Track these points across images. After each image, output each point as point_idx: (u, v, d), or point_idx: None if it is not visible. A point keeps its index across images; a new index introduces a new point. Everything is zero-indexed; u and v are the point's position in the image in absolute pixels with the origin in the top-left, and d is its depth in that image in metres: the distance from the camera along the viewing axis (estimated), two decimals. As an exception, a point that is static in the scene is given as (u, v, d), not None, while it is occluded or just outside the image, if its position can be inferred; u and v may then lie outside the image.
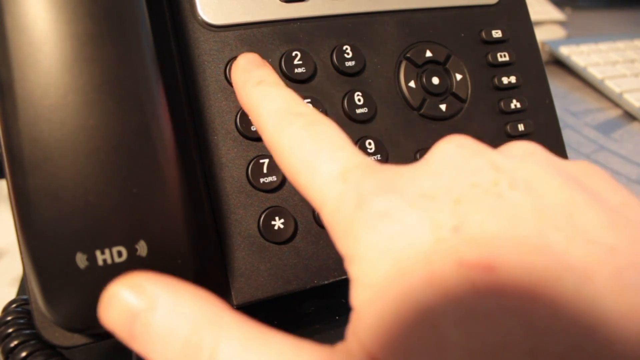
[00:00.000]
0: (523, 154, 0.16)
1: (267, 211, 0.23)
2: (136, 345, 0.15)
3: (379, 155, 0.25)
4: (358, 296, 0.15)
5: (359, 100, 0.26)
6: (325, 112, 0.25)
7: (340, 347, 0.15)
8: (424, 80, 0.27)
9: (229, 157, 0.24)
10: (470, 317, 0.13)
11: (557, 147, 0.30)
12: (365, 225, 0.15)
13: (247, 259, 0.23)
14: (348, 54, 0.26)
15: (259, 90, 0.21)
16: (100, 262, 0.18)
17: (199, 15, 0.24)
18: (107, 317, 0.15)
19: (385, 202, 0.15)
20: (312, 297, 0.28)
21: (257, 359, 0.14)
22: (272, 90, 0.21)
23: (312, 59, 0.26)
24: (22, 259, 0.20)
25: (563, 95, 0.54)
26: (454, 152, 0.16)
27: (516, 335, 0.13)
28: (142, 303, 0.15)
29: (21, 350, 0.21)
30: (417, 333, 0.13)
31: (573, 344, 0.12)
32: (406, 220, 0.15)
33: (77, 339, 0.21)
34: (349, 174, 0.16)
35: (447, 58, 0.28)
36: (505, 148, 0.17)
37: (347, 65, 0.26)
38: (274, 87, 0.21)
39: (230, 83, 0.24)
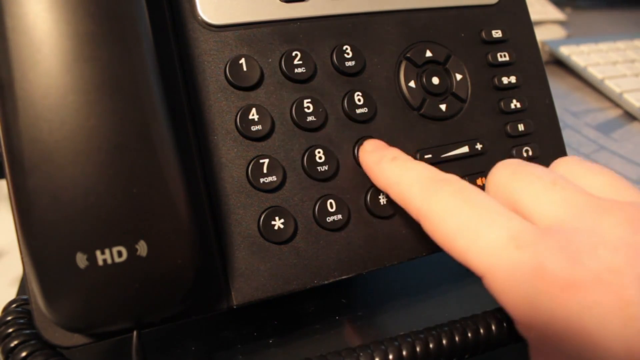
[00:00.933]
0: None
1: (267, 211, 0.23)
2: None
3: (379, 155, 0.25)
4: None
5: (359, 100, 0.26)
6: (326, 112, 0.25)
7: None
8: (424, 80, 0.27)
9: (229, 157, 0.24)
10: None
11: (557, 147, 0.30)
12: (548, 295, 0.15)
13: (247, 259, 0.23)
14: (348, 54, 0.26)
15: (397, 165, 0.22)
16: (100, 262, 0.18)
17: (199, 15, 0.24)
18: None
19: (569, 273, 0.15)
20: (312, 297, 0.28)
21: None
22: (409, 163, 0.21)
23: (312, 59, 0.26)
24: (22, 259, 0.20)
25: (563, 95, 0.54)
26: (626, 231, 0.16)
27: None
28: None
29: (21, 350, 0.21)
30: None
31: None
32: (593, 294, 0.15)
33: (77, 339, 0.21)
34: (521, 240, 0.16)
35: (447, 58, 0.28)
36: None
37: (347, 65, 0.26)
38: (410, 161, 0.22)
39: (230, 83, 0.24)
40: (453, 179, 0.19)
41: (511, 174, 0.19)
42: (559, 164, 0.21)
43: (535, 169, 0.19)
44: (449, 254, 0.18)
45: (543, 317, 0.15)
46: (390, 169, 0.22)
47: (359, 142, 0.25)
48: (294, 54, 0.25)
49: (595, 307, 0.14)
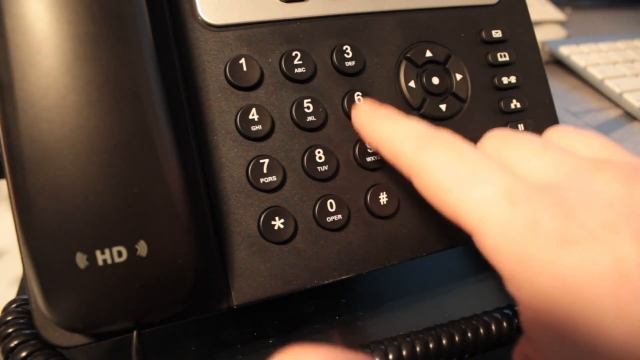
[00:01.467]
0: None
1: (267, 211, 0.23)
2: None
3: (379, 155, 0.25)
4: (534, 324, 0.15)
5: (359, 100, 0.26)
6: (326, 112, 0.25)
7: None
8: (424, 80, 0.27)
9: (229, 157, 0.24)
10: None
11: (557, 147, 0.30)
12: (541, 251, 0.15)
13: (247, 259, 0.23)
14: (348, 54, 0.26)
15: (390, 122, 0.21)
16: (100, 262, 0.18)
17: (199, 15, 0.24)
18: None
19: (563, 229, 0.15)
20: (312, 297, 0.28)
21: None
22: (403, 120, 0.21)
23: (312, 59, 0.26)
24: (22, 259, 0.20)
25: (563, 95, 0.54)
26: (620, 187, 0.16)
27: None
28: None
29: (21, 350, 0.21)
30: None
31: None
32: (588, 251, 0.14)
33: (77, 339, 0.21)
34: (515, 196, 0.16)
35: (447, 58, 0.28)
36: None
37: (347, 65, 0.26)
38: (404, 118, 0.21)
39: (230, 83, 0.24)
40: (447, 135, 0.19)
41: (501, 140, 0.19)
42: (550, 131, 0.20)
43: (526, 134, 0.19)
44: (439, 209, 0.18)
45: (535, 273, 0.15)
46: (383, 125, 0.22)
47: (359, 142, 0.25)
48: (294, 54, 0.25)
49: (589, 263, 0.14)
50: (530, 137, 0.19)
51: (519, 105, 0.29)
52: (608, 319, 0.14)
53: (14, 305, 0.23)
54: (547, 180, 0.17)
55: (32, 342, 0.21)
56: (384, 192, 0.25)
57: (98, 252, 0.18)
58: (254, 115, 0.24)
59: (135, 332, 0.20)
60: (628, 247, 0.14)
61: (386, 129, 0.21)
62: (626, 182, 0.16)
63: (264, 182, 0.24)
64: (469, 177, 0.17)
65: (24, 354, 0.21)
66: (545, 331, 0.15)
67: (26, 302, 0.23)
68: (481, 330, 0.24)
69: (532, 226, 0.15)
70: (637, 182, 0.16)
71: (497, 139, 0.19)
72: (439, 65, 0.28)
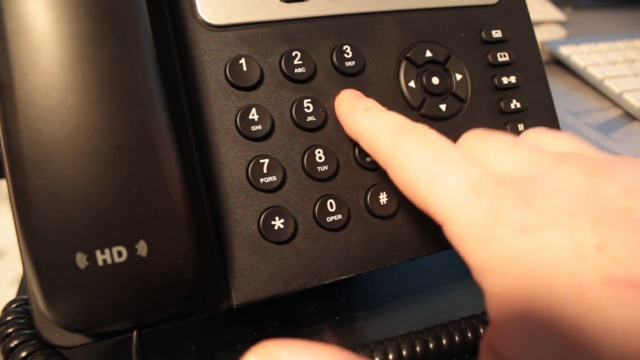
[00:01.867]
0: None
1: (267, 211, 0.23)
2: None
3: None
4: (496, 309, 0.16)
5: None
6: (326, 112, 0.25)
7: None
8: (424, 80, 0.27)
9: (229, 157, 0.24)
10: (622, 333, 0.13)
11: (557, 147, 0.30)
12: (503, 239, 0.15)
13: (247, 259, 0.23)
14: (348, 54, 0.26)
15: (369, 114, 0.22)
16: (100, 262, 0.18)
17: (199, 15, 0.24)
18: None
19: (524, 216, 0.15)
20: (312, 297, 0.28)
21: None
22: (382, 113, 0.22)
23: (312, 59, 0.26)
24: (22, 259, 0.20)
25: (563, 95, 0.54)
26: (582, 179, 0.16)
27: None
28: None
29: (21, 350, 0.21)
30: (569, 346, 0.14)
31: None
32: (547, 236, 0.15)
33: (77, 339, 0.21)
34: (480, 186, 0.17)
35: (447, 58, 0.28)
36: (632, 167, 0.17)
37: (347, 65, 0.26)
38: (383, 111, 0.22)
39: (230, 83, 0.24)
40: (422, 128, 0.20)
41: (474, 139, 0.20)
42: (525, 132, 0.21)
43: (498, 133, 0.19)
44: (412, 201, 0.19)
45: (498, 261, 0.15)
46: (362, 117, 0.23)
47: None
48: (294, 54, 0.25)
49: (549, 249, 0.15)
50: (503, 136, 0.19)
51: (519, 105, 0.29)
52: (568, 301, 0.14)
53: (14, 305, 0.23)
54: (513, 174, 0.18)
55: (32, 342, 0.21)
56: (384, 192, 0.25)
57: (98, 252, 0.18)
58: (254, 115, 0.24)
59: (135, 332, 0.20)
60: (587, 232, 0.15)
61: (365, 121, 0.22)
62: (588, 174, 0.17)
63: (264, 182, 0.24)
64: (438, 169, 0.18)
65: (24, 354, 0.21)
66: (509, 317, 0.15)
67: (26, 302, 0.23)
68: (481, 330, 0.24)
69: (494, 214, 0.16)
70: (599, 174, 0.16)
71: (472, 137, 0.20)
72: (439, 65, 0.28)
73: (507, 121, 0.29)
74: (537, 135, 0.20)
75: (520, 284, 0.15)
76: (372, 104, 0.23)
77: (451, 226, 0.17)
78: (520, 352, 0.15)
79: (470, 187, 0.17)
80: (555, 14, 0.66)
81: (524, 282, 0.15)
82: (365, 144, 0.22)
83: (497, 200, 0.16)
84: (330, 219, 0.24)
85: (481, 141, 0.19)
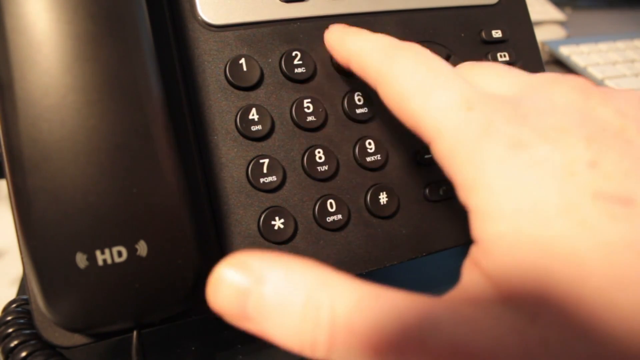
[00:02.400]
0: None
1: (267, 211, 0.23)
2: (252, 324, 0.15)
3: (378, 155, 0.25)
4: (482, 226, 0.15)
5: (359, 100, 0.26)
6: (325, 112, 0.25)
7: (457, 291, 0.15)
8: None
9: (229, 157, 0.24)
10: (610, 247, 0.13)
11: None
12: (494, 153, 0.15)
13: (247, 259, 0.23)
14: (348, 54, 0.26)
15: (360, 36, 0.22)
16: (100, 262, 0.18)
17: (199, 15, 0.24)
18: (216, 301, 0.15)
19: (516, 131, 0.15)
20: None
21: (372, 310, 0.14)
22: (373, 34, 0.22)
23: (312, 59, 0.26)
24: (22, 259, 0.20)
25: (563, 95, 0.54)
26: (577, 98, 0.16)
27: None
28: (250, 280, 0.15)
29: (21, 350, 0.21)
30: (556, 260, 0.13)
31: None
32: (539, 151, 0.15)
33: (77, 339, 0.21)
34: (472, 101, 0.16)
35: (447, 58, 0.28)
36: (624, 93, 0.17)
37: (347, 65, 0.26)
38: (373, 34, 0.22)
39: (230, 83, 0.24)
40: (414, 46, 0.20)
41: (470, 66, 0.20)
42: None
43: (495, 63, 0.20)
44: (401, 119, 0.18)
45: (488, 177, 0.15)
46: (352, 40, 0.22)
47: (359, 142, 0.25)
48: (294, 54, 0.25)
49: (539, 163, 0.14)
50: (497, 64, 0.19)
51: (519, 105, 0.29)
52: (556, 216, 0.14)
53: (14, 305, 0.23)
54: (507, 94, 0.17)
55: (32, 342, 0.21)
56: (384, 192, 0.25)
57: (98, 252, 0.18)
58: (254, 115, 0.24)
59: (135, 332, 0.20)
60: (579, 149, 0.14)
61: (355, 42, 0.22)
62: (582, 94, 0.16)
63: (264, 182, 0.24)
64: (430, 85, 0.17)
65: (24, 354, 0.21)
66: (494, 233, 0.15)
67: (26, 302, 0.23)
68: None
69: (486, 129, 0.15)
70: (594, 95, 0.16)
71: (467, 65, 0.20)
72: (439, 65, 0.28)
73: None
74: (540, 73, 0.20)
75: (507, 200, 0.15)
76: (361, 29, 0.23)
77: (441, 142, 0.17)
78: (505, 266, 0.14)
79: (463, 102, 0.16)
80: (555, 14, 0.66)
81: (511, 198, 0.15)
82: (355, 66, 0.22)
83: (489, 115, 0.16)
84: (330, 219, 0.24)
85: (475, 68, 0.19)
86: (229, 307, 0.15)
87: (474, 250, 0.16)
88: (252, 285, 0.15)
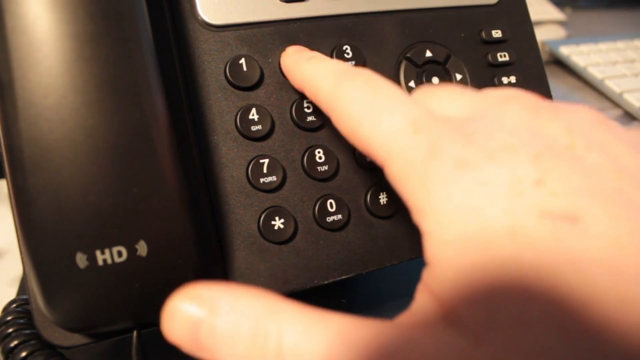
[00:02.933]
0: (592, 120, 0.16)
1: (267, 211, 0.23)
2: (204, 353, 0.15)
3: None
4: (432, 249, 0.15)
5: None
6: (325, 112, 0.25)
7: (407, 314, 0.15)
8: (424, 80, 0.27)
9: (229, 157, 0.24)
10: (555, 267, 0.13)
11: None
12: (440, 175, 0.15)
13: (247, 259, 0.23)
14: (348, 54, 0.26)
15: (313, 62, 0.22)
16: (100, 262, 0.18)
17: (199, 15, 0.24)
18: (172, 332, 0.15)
19: (462, 152, 0.15)
20: (312, 297, 0.28)
21: (320, 338, 0.14)
22: (325, 61, 0.22)
23: (312, 59, 0.26)
24: (22, 259, 0.20)
25: (563, 95, 0.54)
26: (526, 116, 0.16)
27: (605, 284, 0.13)
28: (202, 311, 0.15)
29: (21, 350, 0.21)
30: (500, 283, 0.13)
31: None
32: (485, 171, 0.15)
33: (77, 339, 0.21)
34: (419, 124, 0.16)
35: (447, 58, 0.28)
36: (574, 110, 0.17)
37: (347, 65, 0.26)
38: (326, 59, 0.22)
39: (230, 83, 0.24)
40: (364, 72, 0.20)
41: (425, 91, 0.20)
42: (484, 90, 0.21)
43: (450, 85, 0.19)
44: (355, 145, 0.19)
45: (436, 200, 0.15)
46: (305, 66, 0.22)
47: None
48: (294, 54, 0.25)
49: (486, 183, 0.14)
50: (452, 86, 0.19)
51: (519, 105, 0.29)
52: (502, 238, 0.14)
53: (14, 305, 0.23)
54: (457, 116, 0.17)
55: (32, 342, 0.21)
56: (384, 192, 0.25)
57: (98, 252, 0.18)
58: (254, 115, 0.24)
59: (135, 332, 0.20)
60: (526, 167, 0.14)
61: (308, 68, 0.22)
62: (531, 112, 0.16)
63: (264, 182, 0.24)
64: (379, 110, 0.17)
65: (24, 354, 0.21)
66: (443, 257, 0.15)
67: (26, 302, 0.23)
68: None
69: (432, 151, 0.15)
70: (543, 112, 0.16)
71: (422, 90, 0.20)
72: (439, 65, 0.28)
73: (507, 121, 0.29)
74: (490, 89, 0.20)
75: (454, 224, 0.14)
76: (316, 53, 0.23)
77: (391, 166, 0.17)
78: (452, 290, 0.14)
79: (410, 125, 0.16)
80: (555, 14, 0.66)
81: (458, 222, 0.14)
82: (308, 92, 0.22)
83: (435, 137, 0.16)
84: (330, 219, 0.24)
85: (430, 91, 0.19)
86: (183, 338, 0.15)
87: (425, 273, 0.16)
88: (204, 316, 0.15)
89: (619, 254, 0.13)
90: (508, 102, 0.17)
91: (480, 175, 0.14)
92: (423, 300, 0.15)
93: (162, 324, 0.16)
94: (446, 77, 0.28)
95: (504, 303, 0.13)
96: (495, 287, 0.13)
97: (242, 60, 0.24)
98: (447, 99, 0.19)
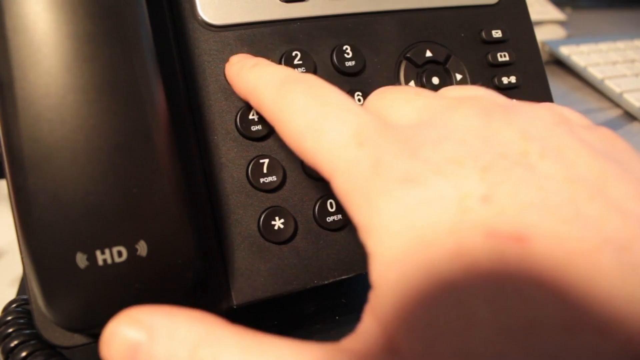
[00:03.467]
0: (552, 121, 0.16)
1: (267, 211, 0.23)
2: None
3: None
4: (376, 271, 0.14)
5: (359, 100, 0.26)
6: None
7: (352, 339, 0.14)
8: (424, 80, 0.27)
9: (229, 157, 0.24)
10: (500, 291, 0.12)
11: (557, 147, 0.30)
12: (384, 192, 0.14)
13: (247, 259, 0.23)
14: (348, 54, 0.26)
15: (255, 71, 0.21)
16: (100, 262, 0.18)
17: (199, 15, 0.24)
18: (110, 355, 0.15)
19: (407, 167, 0.14)
20: (312, 297, 0.28)
21: None
22: (267, 68, 0.21)
23: (312, 59, 0.26)
24: (22, 259, 0.20)
25: (563, 95, 0.54)
26: (478, 121, 0.15)
27: (550, 310, 0.12)
28: (141, 335, 0.15)
29: (21, 350, 0.21)
30: (441, 309, 0.13)
31: (612, 318, 0.12)
32: (430, 187, 0.14)
33: (77, 339, 0.21)
34: (363, 137, 0.15)
35: (447, 58, 0.28)
36: (532, 111, 0.16)
37: (347, 65, 0.26)
38: (269, 66, 0.21)
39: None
40: (308, 77, 0.18)
41: (380, 93, 0.19)
42: (443, 89, 0.20)
43: (404, 86, 0.18)
44: (301, 158, 0.17)
45: (380, 218, 0.14)
46: (249, 75, 0.21)
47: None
48: (294, 54, 0.25)
49: (431, 201, 0.13)
50: (407, 88, 0.18)
51: (519, 105, 0.29)
52: (447, 260, 0.13)
53: (14, 305, 0.23)
54: (406, 122, 0.16)
55: (32, 342, 0.21)
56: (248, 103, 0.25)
57: (98, 252, 0.18)
58: (254, 115, 0.24)
59: (135, 332, 0.20)
60: (473, 182, 0.13)
61: (252, 77, 0.21)
62: (485, 117, 0.15)
63: (264, 182, 0.24)
64: (322, 122, 0.16)
65: (24, 354, 0.21)
66: (387, 280, 0.14)
67: (26, 302, 0.23)
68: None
69: (376, 166, 0.14)
70: (496, 117, 0.15)
71: (377, 93, 0.19)
72: (439, 65, 0.28)
73: (507, 121, 0.29)
74: (451, 88, 0.19)
75: (401, 243, 0.14)
76: (260, 60, 0.22)
77: (336, 181, 0.16)
78: (394, 318, 0.13)
79: (354, 138, 0.15)
80: (555, 14, 0.66)
81: (405, 241, 0.13)
82: (252, 102, 0.21)
83: (380, 150, 0.15)
84: (330, 219, 0.24)
85: (384, 95, 0.18)
86: None
87: (370, 295, 0.15)
88: (142, 341, 0.15)
89: (564, 276, 0.12)
90: (460, 105, 0.16)
91: (425, 192, 0.14)
92: (368, 324, 0.14)
93: (100, 346, 0.15)
94: (446, 77, 0.28)
95: (442, 331, 0.12)
96: (434, 313, 0.13)
97: (242, 60, 0.24)
98: (402, 100, 0.18)
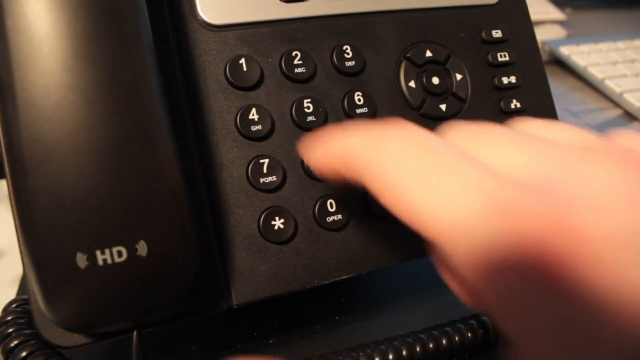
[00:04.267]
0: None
1: (267, 211, 0.23)
2: None
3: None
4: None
5: (359, 100, 0.26)
6: (325, 112, 0.25)
7: None
8: (424, 80, 0.27)
9: (229, 157, 0.24)
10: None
11: (557, 147, 0.30)
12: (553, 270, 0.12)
13: (247, 259, 0.23)
14: (348, 54, 0.26)
15: (329, 144, 0.19)
16: (100, 262, 0.18)
17: (199, 15, 0.24)
18: None
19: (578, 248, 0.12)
20: (312, 297, 0.28)
21: None
22: (341, 135, 0.18)
23: (312, 59, 0.26)
24: (22, 259, 0.20)
25: (563, 95, 0.54)
26: (624, 177, 0.13)
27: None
28: None
29: (21, 350, 0.21)
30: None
31: None
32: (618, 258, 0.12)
33: (77, 339, 0.21)
34: (490, 194, 0.13)
35: (447, 58, 0.28)
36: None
37: (347, 65, 0.26)
38: (341, 133, 0.18)
39: (230, 83, 0.24)
40: (402, 125, 0.16)
41: (466, 133, 0.16)
42: (515, 124, 0.18)
43: (490, 125, 0.16)
44: (398, 216, 0.15)
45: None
46: (333, 144, 0.18)
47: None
48: (294, 54, 0.25)
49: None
50: (498, 126, 0.16)
51: (519, 105, 0.29)
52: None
53: (14, 305, 0.23)
54: (532, 173, 0.14)
55: (32, 342, 0.21)
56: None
57: (98, 252, 0.18)
58: (254, 115, 0.24)
59: (135, 332, 0.20)
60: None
61: (336, 146, 0.18)
62: (630, 175, 0.13)
63: (264, 182, 0.24)
64: (431, 173, 0.14)
65: (24, 353, 0.21)
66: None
67: (26, 302, 0.23)
68: (480, 331, 0.24)
69: (521, 242, 0.12)
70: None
71: (460, 132, 0.16)
72: (439, 65, 0.28)
73: (507, 121, 0.29)
74: (531, 125, 0.17)
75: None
76: (324, 135, 0.19)
77: (451, 247, 0.13)
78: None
79: (480, 196, 0.13)
80: (555, 14, 0.66)
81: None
82: (344, 170, 0.18)
83: (521, 221, 0.13)
84: (330, 219, 0.24)
85: (476, 135, 0.16)
86: None
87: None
88: None
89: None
90: (595, 158, 0.14)
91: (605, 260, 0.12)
92: None
93: None
94: (446, 77, 0.28)
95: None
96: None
97: (242, 60, 0.24)
98: (500, 144, 0.15)
